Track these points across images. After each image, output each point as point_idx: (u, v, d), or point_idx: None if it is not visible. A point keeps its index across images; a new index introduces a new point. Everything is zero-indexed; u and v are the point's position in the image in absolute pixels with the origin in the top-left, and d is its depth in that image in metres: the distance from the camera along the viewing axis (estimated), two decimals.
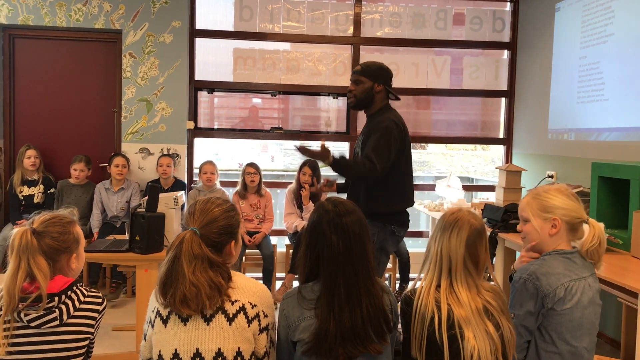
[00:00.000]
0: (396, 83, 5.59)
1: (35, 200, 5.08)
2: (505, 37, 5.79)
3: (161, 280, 1.73)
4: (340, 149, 5.72)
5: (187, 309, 1.68)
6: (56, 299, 1.80)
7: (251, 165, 5.23)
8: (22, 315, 1.77)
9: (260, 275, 4.98)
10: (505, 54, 5.86)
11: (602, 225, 2.15)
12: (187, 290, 1.68)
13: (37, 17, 5.15)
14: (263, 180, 5.32)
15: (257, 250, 5.06)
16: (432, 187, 5.78)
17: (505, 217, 4.05)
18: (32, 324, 1.77)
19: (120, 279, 5.00)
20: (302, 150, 3.10)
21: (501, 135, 5.94)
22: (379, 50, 5.78)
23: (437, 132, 5.94)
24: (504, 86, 5.84)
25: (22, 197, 5.06)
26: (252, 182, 5.18)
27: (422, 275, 1.94)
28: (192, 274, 1.69)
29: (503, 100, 5.91)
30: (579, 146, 4.63)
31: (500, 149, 6.08)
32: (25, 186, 5.08)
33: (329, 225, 1.80)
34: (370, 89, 3.22)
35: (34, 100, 5.37)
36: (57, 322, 1.79)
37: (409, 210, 3.35)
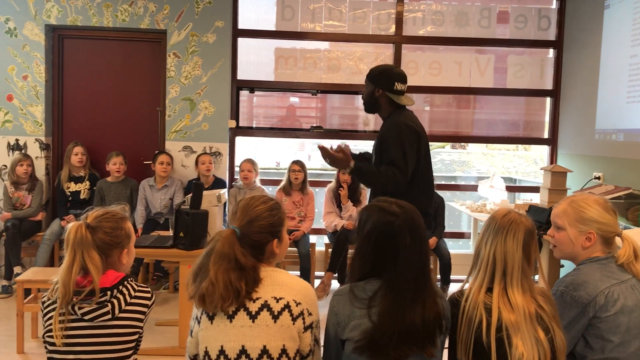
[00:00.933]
0: (438, 82, 5.63)
1: (82, 196, 5.22)
2: (551, 35, 5.66)
3: (193, 272, 1.78)
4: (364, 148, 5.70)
5: (202, 304, 1.72)
6: (108, 293, 1.84)
7: (297, 162, 5.26)
8: (76, 308, 1.81)
9: (298, 273, 5.01)
10: (551, 52, 5.74)
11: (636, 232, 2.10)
12: (205, 287, 1.71)
13: (85, 17, 5.29)
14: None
15: (295, 249, 5.09)
16: (473, 188, 5.71)
17: (550, 219, 3.96)
18: (86, 317, 1.82)
19: (162, 273, 5.09)
20: (323, 151, 3.05)
21: (546, 135, 5.82)
22: (420, 49, 5.73)
23: (478, 132, 5.85)
24: (549, 85, 5.71)
25: (69, 193, 5.20)
26: (297, 179, 5.21)
27: (470, 278, 1.91)
28: (213, 272, 1.72)
29: (548, 100, 5.78)
30: (628, 147, 4.49)
31: (543, 149, 5.95)
32: (72, 182, 5.22)
33: (402, 226, 1.79)
34: (372, 93, 3.17)
35: (81, 98, 5.51)
36: (109, 316, 1.83)
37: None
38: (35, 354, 3.65)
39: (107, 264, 1.89)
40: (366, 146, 8.78)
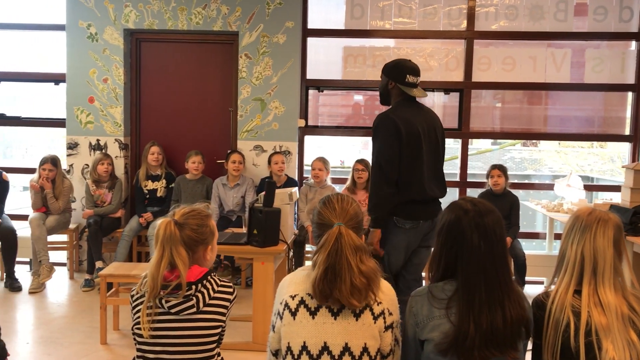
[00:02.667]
0: (511, 77, 5.48)
1: (158, 194, 5.41)
2: (634, 27, 5.40)
3: (319, 275, 1.73)
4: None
5: (356, 300, 1.71)
6: (193, 287, 1.90)
7: (360, 161, 5.24)
8: (163, 301, 1.88)
9: None
10: (633, 45, 5.47)
11: None
12: (358, 281, 1.71)
13: (161, 21, 5.47)
14: None
15: None
16: (548, 187, 5.52)
17: (634, 220, 3.79)
18: (172, 310, 1.88)
19: (235, 270, 5.20)
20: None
21: (627, 132, 5.55)
22: (493, 44, 5.60)
23: (551, 129, 5.65)
24: (631, 79, 5.45)
25: (146, 191, 5.40)
26: (360, 178, 5.19)
27: (556, 280, 1.85)
28: (361, 264, 1.73)
29: (630, 95, 5.52)
30: None
31: (621, 146, 5.68)
32: (150, 180, 5.42)
33: (469, 224, 1.76)
34: (386, 85, 3.35)
35: (157, 99, 5.72)
36: (194, 310, 1.89)
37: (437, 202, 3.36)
38: (117, 345, 3.82)
39: (193, 259, 1.95)
40: None
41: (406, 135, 3.15)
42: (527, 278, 4.91)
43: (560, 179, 5.28)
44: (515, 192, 5.13)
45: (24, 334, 4.07)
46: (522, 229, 5.30)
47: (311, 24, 5.61)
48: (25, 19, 5.87)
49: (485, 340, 1.67)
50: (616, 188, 5.14)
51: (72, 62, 5.54)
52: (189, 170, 5.36)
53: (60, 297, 4.92)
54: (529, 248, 5.39)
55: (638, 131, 5.44)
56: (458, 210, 1.80)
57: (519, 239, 5.00)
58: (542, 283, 5.37)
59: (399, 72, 3.27)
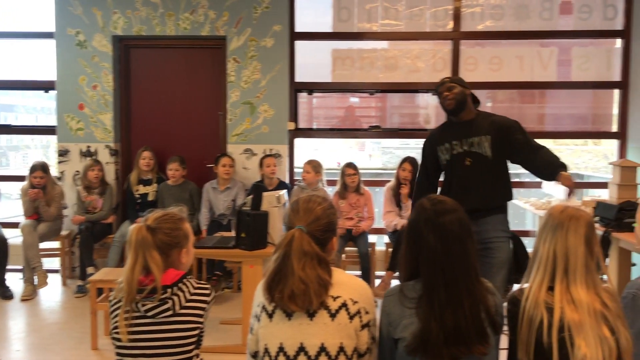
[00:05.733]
0: (499, 77, 5.51)
1: (150, 198, 5.42)
2: (618, 24, 5.43)
3: (269, 276, 1.78)
4: None
5: (294, 305, 1.72)
6: (169, 290, 1.92)
7: (350, 165, 5.27)
8: (139, 305, 1.91)
9: (359, 272, 5.02)
10: (618, 42, 5.50)
11: None
12: (296, 287, 1.72)
13: (149, 27, 5.50)
14: (362, 179, 5.34)
15: (355, 248, 5.10)
16: (537, 185, 5.54)
17: (619, 216, 3.81)
18: (149, 314, 1.91)
19: (226, 273, 5.21)
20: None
21: (614, 129, 5.59)
22: (480, 44, 5.63)
23: (544, 127, 5.68)
24: (617, 77, 5.48)
25: (138, 196, 5.42)
26: (353, 182, 5.22)
27: (531, 277, 1.87)
28: (301, 271, 1.73)
29: (616, 92, 5.55)
30: None
31: (613, 144, 5.71)
32: (141, 185, 5.44)
33: (426, 225, 1.78)
34: (463, 93, 3.40)
35: (146, 105, 5.74)
36: (171, 312, 1.92)
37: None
38: (109, 350, 3.83)
39: (167, 263, 1.97)
40: None
41: None
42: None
43: None
44: None
45: (15, 341, 4.09)
46: (512, 227, 5.31)
47: (299, 28, 5.63)
48: (14, 27, 5.89)
49: (451, 339, 1.68)
50: (605, 185, 5.16)
51: (61, 70, 5.57)
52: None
53: (53, 303, 4.94)
54: None
55: (625, 128, 5.48)
56: (419, 210, 1.83)
57: None
58: None
59: (467, 85, 3.46)
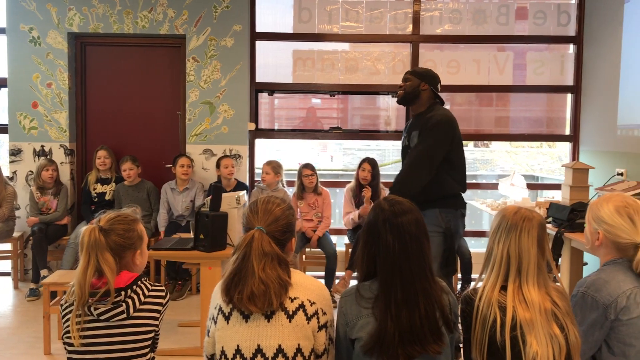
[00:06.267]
0: (457, 80, 5.61)
1: (107, 197, 5.32)
2: (571, 31, 5.60)
3: (228, 277, 1.77)
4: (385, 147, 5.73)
5: (254, 306, 1.71)
6: (123, 293, 1.89)
7: (307, 166, 5.27)
8: (92, 309, 1.87)
9: (320, 273, 5.03)
10: (571, 48, 5.67)
11: None
12: (256, 287, 1.71)
13: (106, 25, 5.39)
14: (322, 179, 5.36)
15: (319, 250, 5.11)
16: (494, 186, 5.66)
17: (571, 217, 3.91)
18: (102, 317, 1.87)
19: (186, 275, 5.15)
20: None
21: (567, 132, 5.75)
22: (439, 47, 5.71)
23: (500, 130, 5.81)
24: (570, 81, 5.65)
25: (95, 195, 5.31)
26: (311, 182, 5.22)
27: (484, 276, 1.91)
28: (262, 271, 1.73)
29: (569, 96, 5.72)
30: None
31: (567, 146, 5.88)
32: (99, 184, 5.33)
33: (384, 224, 1.80)
34: (417, 86, 3.46)
35: (103, 104, 5.62)
36: (124, 315, 1.88)
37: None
38: (62, 354, 3.72)
39: (121, 265, 1.94)
40: (387, 145, 8.76)
41: (458, 139, 3.45)
42: (473, 275, 5.03)
43: (505, 179, 5.42)
44: None
45: None
46: (470, 227, 5.43)
47: (259, 28, 5.62)
48: None
49: (406, 338, 1.71)
50: (559, 186, 5.30)
51: (13, 67, 5.40)
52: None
53: (4, 307, 4.78)
54: (476, 246, 5.52)
55: (577, 131, 5.64)
56: (377, 210, 1.85)
57: (465, 238, 5.11)
58: None
59: (433, 78, 3.49)
